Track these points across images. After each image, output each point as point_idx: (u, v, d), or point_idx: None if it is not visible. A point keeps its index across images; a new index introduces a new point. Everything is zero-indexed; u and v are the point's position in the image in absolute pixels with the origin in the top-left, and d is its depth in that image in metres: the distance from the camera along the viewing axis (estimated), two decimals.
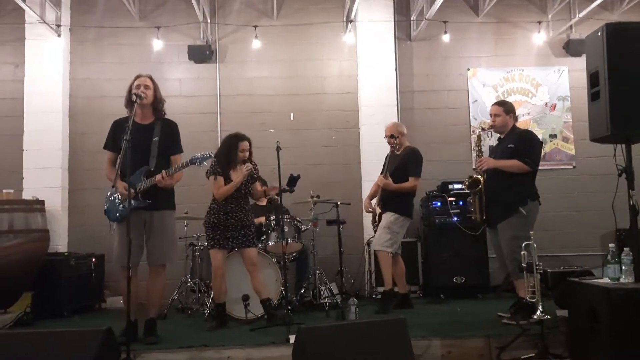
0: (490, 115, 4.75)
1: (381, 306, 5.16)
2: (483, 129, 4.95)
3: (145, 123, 4.12)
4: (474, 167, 4.81)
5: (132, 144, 3.70)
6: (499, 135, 4.80)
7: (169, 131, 4.19)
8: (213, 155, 4.26)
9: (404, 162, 5.27)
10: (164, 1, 7.09)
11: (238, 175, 4.65)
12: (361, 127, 6.92)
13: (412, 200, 5.37)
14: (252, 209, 5.19)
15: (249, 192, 4.83)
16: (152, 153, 4.05)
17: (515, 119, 4.74)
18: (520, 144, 4.49)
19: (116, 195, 4.07)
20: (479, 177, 4.60)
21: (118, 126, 4.15)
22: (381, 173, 5.48)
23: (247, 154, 4.71)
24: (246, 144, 4.73)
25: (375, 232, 5.42)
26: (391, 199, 5.25)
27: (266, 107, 6.99)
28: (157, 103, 4.18)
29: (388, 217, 5.22)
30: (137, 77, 4.18)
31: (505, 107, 4.70)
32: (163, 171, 3.97)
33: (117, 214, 4.06)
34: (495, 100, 5.51)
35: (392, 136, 5.30)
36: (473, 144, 4.78)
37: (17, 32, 6.75)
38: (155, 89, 4.19)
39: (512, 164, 4.44)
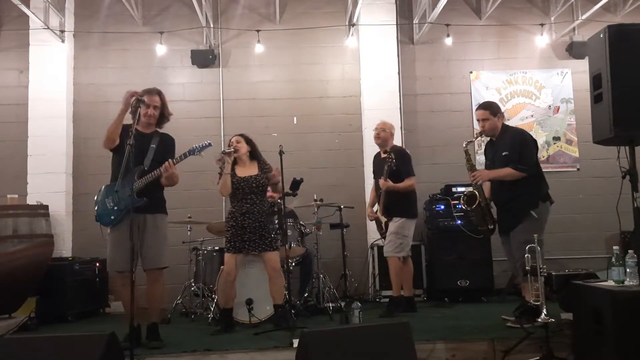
0: (478, 120, 4.64)
1: (386, 311, 5.16)
2: (470, 141, 4.84)
3: (145, 132, 4.19)
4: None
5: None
6: (490, 138, 4.67)
7: (166, 143, 4.25)
8: (212, 144, 4.23)
9: (396, 165, 5.21)
10: (167, 6, 7.13)
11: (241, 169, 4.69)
12: (364, 131, 6.92)
13: (414, 200, 5.36)
14: None
15: (261, 189, 4.70)
16: (148, 155, 4.10)
17: (502, 117, 4.61)
18: (513, 150, 4.37)
19: (108, 199, 4.07)
20: (474, 191, 4.53)
21: (123, 131, 4.17)
22: (374, 177, 5.49)
23: (234, 143, 4.70)
24: (236, 137, 4.77)
25: (383, 238, 5.40)
26: (394, 204, 5.23)
27: (269, 111, 7.01)
28: (161, 118, 4.25)
29: (394, 222, 5.21)
30: (147, 92, 4.16)
31: (491, 110, 4.56)
32: (169, 160, 3.99)
33: (112, 217, 4.06)
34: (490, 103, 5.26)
35: (384, 129, 5.38)
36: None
37: (21, 38, 6.79)
38: (163, 105, 4.24)
39: (506, 173, 4.36)
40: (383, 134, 5.39)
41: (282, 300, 4.66)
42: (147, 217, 4.08)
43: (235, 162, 4.74)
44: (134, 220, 3.78)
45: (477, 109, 4.72)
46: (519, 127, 5.71)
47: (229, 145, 4.74)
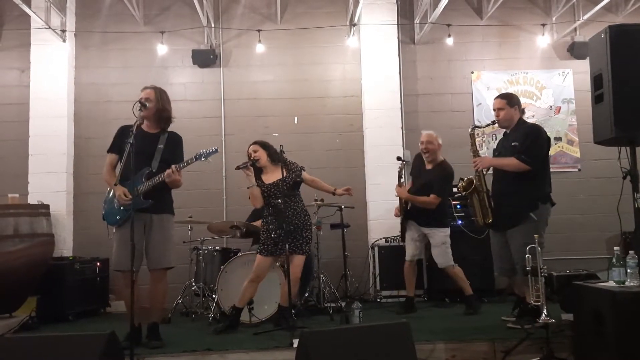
0: (494, 109, 4.54)
1: (468, 307, 5.17)
2: (477, 126, 4.81)
3: (151, 132, 4.17)
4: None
5: (137, 150, 3.72)
6: (504, 130, 4.55)
7: (173, 142, 4.22)
8: (218, 150, 4.22)
9: (432, 180, 5.18)
10: (168, 6, 7.13)
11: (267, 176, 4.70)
12: (365, 131, 6.92)
13: (448, 211, 5.43)
14: (256, 212, 5.22)
15: (292, 190, 4.69)
16: (155, 157, 4.08)
17: (522, 112, 4.49)
18: (523, 141, 4.25)
19: (115, 199, 4.07)
20: (472, 177, 4.48)
21: (124, 131, 4.14)
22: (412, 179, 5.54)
23: (252, 154, 4.68)
24: (253, 147, 4.75)
25: (402, 239, 5.45)
26: (432, 213, 5.17)
27: (270, 111, 7.01)
28: (160, 112, 4.16)
29: (440, 233, 5.19)
30: (144, 89, 4.19)
31: (509, 100, 4.44)
32: (173, 165, 3.97)
33: (118, 217, 4.06)
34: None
35: (431, 142, 5.25)
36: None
37: (22, 38, 6.80)
38: (158, 99, 4.15)
39: (509, 163, 4.25)
40: (431, 147, 5.23)
41: (287, 304, 4.63)
42: (154, 217, 4.08)
43: (261, 171, 4.72)
44: (136, 220, 3.78)
45: (495, 98, 4.62)
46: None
47: (249, 157, 4.68)
